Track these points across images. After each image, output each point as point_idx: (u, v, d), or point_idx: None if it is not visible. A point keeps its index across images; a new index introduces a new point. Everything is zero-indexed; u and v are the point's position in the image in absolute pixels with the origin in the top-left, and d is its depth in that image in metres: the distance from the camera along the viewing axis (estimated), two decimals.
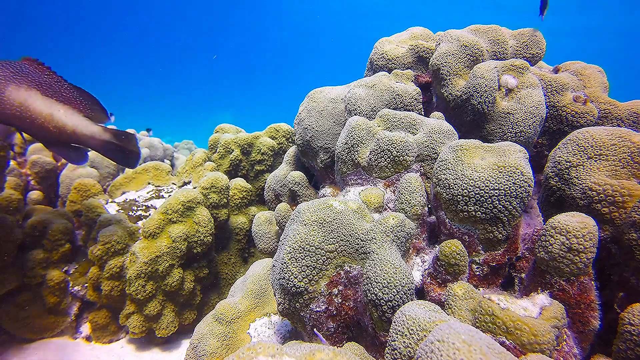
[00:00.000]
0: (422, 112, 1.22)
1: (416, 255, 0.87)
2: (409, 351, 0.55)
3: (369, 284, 0.71)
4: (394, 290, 0.69)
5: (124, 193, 1.92)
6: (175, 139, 4.49)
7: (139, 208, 1.79)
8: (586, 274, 0.66)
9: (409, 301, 0.68)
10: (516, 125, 1.09)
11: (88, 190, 1.75)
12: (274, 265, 0.82)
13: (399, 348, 0.56)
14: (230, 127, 2.12)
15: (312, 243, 0.76)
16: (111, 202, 1.83)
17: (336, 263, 0.77)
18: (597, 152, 0.80)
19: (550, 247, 0.67)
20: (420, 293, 0.80)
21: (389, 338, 0.59)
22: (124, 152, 1.28)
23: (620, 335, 0.63)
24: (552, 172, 0.86)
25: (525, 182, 0.73)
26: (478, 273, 0.79)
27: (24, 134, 1.58)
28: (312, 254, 0.76)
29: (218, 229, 1.68)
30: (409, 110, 1.19)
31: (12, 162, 1.87)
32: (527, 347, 0.56)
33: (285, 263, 0.76)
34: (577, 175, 0.80)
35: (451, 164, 0.80)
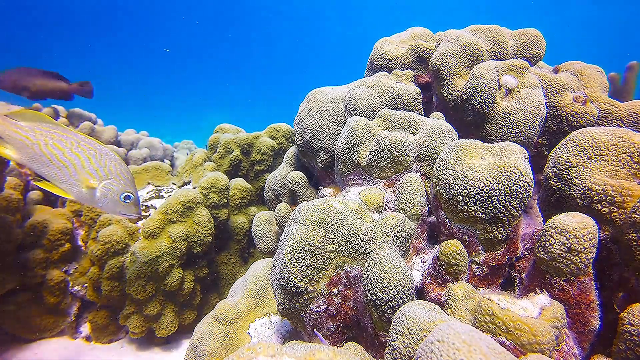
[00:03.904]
0: (422, 112, 1.22)
1: (416, 256, 0.87)
2: (409, 351, 0.55)
3: (369, 284, 0.71)
4: (394, 290, 0.69)
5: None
6: (175, 139, 4.49)
7: None
8: (586, 274, 0.66)
9: (409, 301, 0.68)
10: (516, 125, 1.09)
11: None
12: (274, 265, 0.82)
13: (399, 348, 0.56)
14: (230, 127, 2.12)
15: (312, 243, 0.76)
16: None
17: (336, 263, 0.77)
18: (597, 152, 0.80)
19: (550, 247, 0.67)
20: (420, 293, 0.80)
21: (389, 338, 0.59)
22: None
23: (620, 335, 0.63)
24: (552, 172, 0.86)
25: (525, 182, 0.73)
26: (478, 273, 0.79)
27: None
28: (312, 254, 0.76)
29: (218, 229, 1.68)
30: (409, 110, 1.19)
31: (12, 162, 1.87)
32: (527, 347, 0.56)
33: (285, 263, 0.76)
34: (577, 175, 0.80)
35: (451, 164, 0.80)
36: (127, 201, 1.05)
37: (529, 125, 1.08)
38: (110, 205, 1.04)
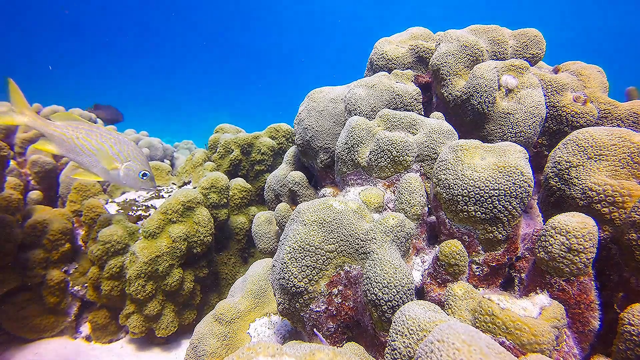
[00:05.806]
0: (422, 112, 1.22)
1: (416, 255, 0.87)
2: (409, 351, 0.55)
3: (369, 284, 0.71)
4: (394, 290, 0.69)
5: (123, 193, 1.92)
6: (175, 139, 4.50)
7: (139, 208, 1.79)
8: (586, 274, 0.66)
9: (409, 301, 0.68)
10: (516, 125, 1.09)
11: (88, 190, 1.75)
12: (274, 265, 0.82)
13: (399, 348, 0.56)
14: (230, 127, 2.12)
15: (312, 243, 0.76)
16: (111, 202, 1.83)
17: (336, 263, 0.77)
18: (597, 152, 0.80)
19: (550, 247, 0.67)
20: (420, 293, 0.80)
21: (389, 338, 0.59)
22: None
23: (620, 336, 0.63)
24: (551, 172, 0.86)
25: (525, 182, 0.73)
26: (478, 273, 0.79)
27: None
28: (312, 254, 0.76)
29: (218, 229, 1.68)
30: (409, 110, 1.19)
31: (12, 162, 1.88)
32: (527, 347, 0.56)
33: (285, 263, 0.76)
34: (577, 175, 0.80)
35: (451, 164, 0.80)
36: (144, 178, 1.28)
37: (529, 125, 1.08)
38: (132, 182, 1.27)
